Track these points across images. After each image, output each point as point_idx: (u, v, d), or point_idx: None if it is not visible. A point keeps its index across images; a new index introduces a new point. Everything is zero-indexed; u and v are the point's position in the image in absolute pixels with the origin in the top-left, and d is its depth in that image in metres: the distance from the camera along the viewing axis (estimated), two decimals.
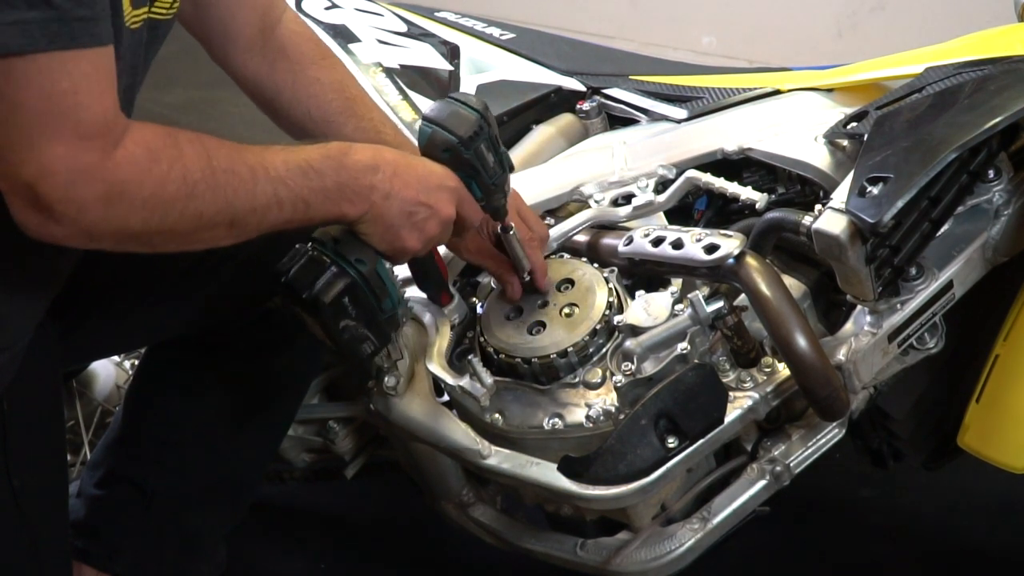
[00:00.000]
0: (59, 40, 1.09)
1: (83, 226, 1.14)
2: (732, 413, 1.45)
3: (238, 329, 1.62)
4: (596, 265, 1.59)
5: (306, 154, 1.29)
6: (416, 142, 1.86)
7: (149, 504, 1.65)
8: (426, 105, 1.90)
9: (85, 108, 1.11)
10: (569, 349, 1.50)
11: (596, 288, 1.55)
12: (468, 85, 1.94)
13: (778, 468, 1.52)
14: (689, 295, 1.47)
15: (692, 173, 1.64)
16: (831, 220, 1.35)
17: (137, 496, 1.66)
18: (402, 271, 1.57)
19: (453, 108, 1.40)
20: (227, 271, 1.55)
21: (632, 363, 1.47)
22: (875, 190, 1.34)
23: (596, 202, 1.70)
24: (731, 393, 1.46)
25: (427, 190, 1.36)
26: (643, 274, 1.58)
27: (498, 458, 1.51)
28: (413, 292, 1.59)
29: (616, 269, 1.58)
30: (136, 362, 2.07)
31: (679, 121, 1.77)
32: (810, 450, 1.54)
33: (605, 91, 1.89)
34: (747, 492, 1.52)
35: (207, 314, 1.61)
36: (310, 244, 1.37)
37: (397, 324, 1.45)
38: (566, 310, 1.54)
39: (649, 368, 1.46)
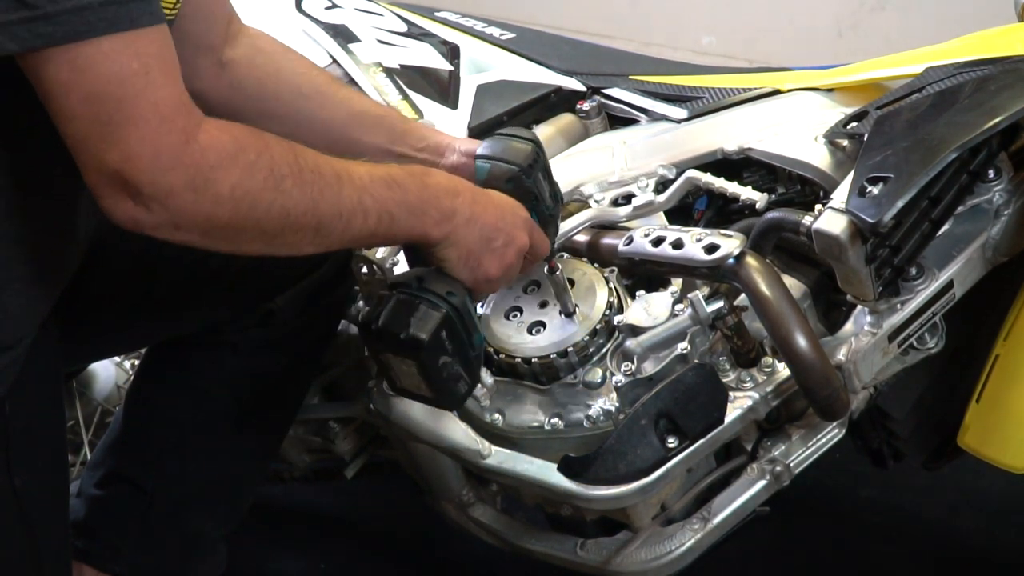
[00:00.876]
0: (120, 23, 1.06)
1: (171, 213, 1.10)
2: (732, 413, 1.45)
3: (239, 329, 1.62)
4: (596, 265, 1.59)
5: (388, 169, 1.27)
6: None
7: (149, 504, 1.65)
8: (426, 105, 1.90)
9: (160, 87, 1.08)
10: (569, 349, 1.50)
11: (596, 288, 1.55)
12: (468, 85, 1.94)
13: (778, 468, 1.52)
14: (689, 295, 1.47)
15: (692, 173, 1.64)
16: (831, 220, 1.35)
17: (137, 496, 1.66)
18: (403, 270, 1.57)
19: (506, 142, 1.41)
20: (229, 272, 1.55)
21: (632, 363, 1.48)
22: (875, 190, 1.34)
23: (596, 202, 1.70)
24: (731, 393, 1.46)
25: (504, 217, 1.35)
26: (643, 274, 1.58)
27: (498, 458, 1.51)
28: None
29: (616, 269, 1.58)
30: (136, 362, 2.07)
31: (679, 121, 1.77)
32: (810, 450, 1.54)
33: (605, 91, 1.89)
34: (747, 492, 1.52)
35: (209, 315, 1.61)
36: (394, 289, 1.33)
37: (479, 366, 1.41)
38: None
39: (649, 368, 1.47)
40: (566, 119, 1.91)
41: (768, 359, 1.47)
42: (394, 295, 1.32)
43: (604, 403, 1.48)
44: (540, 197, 1.41)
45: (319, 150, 1.28)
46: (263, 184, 1.14)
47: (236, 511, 1.73)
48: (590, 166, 1.76)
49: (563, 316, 1.53)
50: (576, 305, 1.53)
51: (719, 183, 1.60)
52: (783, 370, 1.45)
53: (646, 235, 1.52)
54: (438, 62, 2.00)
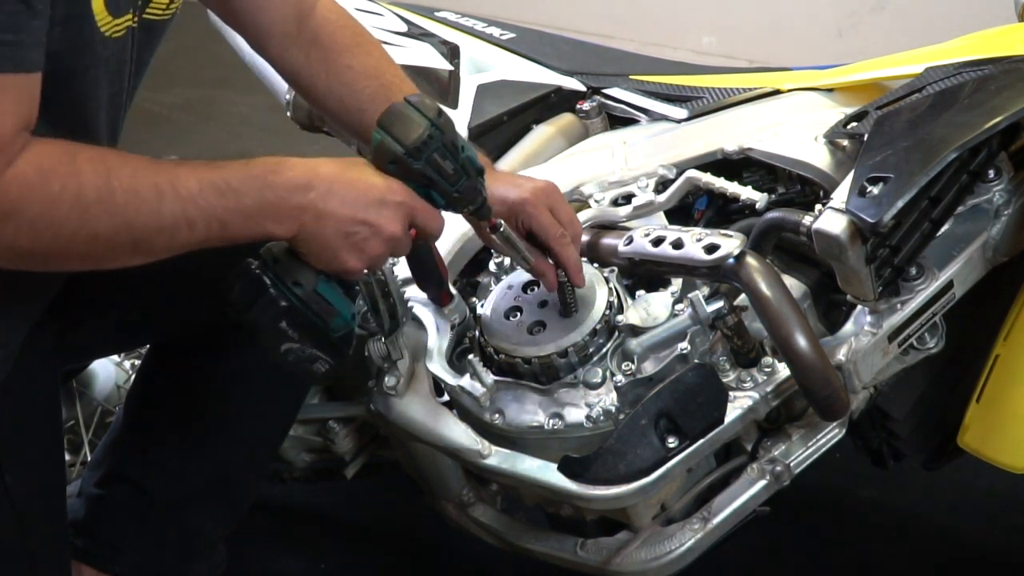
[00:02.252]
0: None
1: None
2: (732, 413, 1.45)
3: (239, 329, 1.62)
4: (596, 265, 1.59)
5: (225, 172, 1.24)
6: None
7: (149, 504, 1.65)
8: None
9: None
10: (569, 349, 1.50)
11: (596, 288, 1.55)
12: (468, 85, 1.94)
13: (778, 468, 1.52)
14: (689, 295, 1.47)
15: (692, 173, 1.64)
16: (831, 220, 1.35)
17: (137, 496, 1.66)
18: (402, 271, 1.57)
19: (405, 114, 1.32)
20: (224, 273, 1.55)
21: (632, 363, 1.48)
22: (875, 190, 1.34)
23: (596, 202, 1.70)
24: (731, 393, 1.46)
25: (367, 207, 1.29)
26: (643, 274, 1.58)
27: (498, 458, 1.51)
28: (413, 292, 1.59)
29: (616, 269, 1.58)
30: (136, 362, 2.07)
31: (679, 121, 1.77)
32: (810, 450, 1.54)
33: (605, 91, 1.89)
34: (747, 492, 1.52)
35: (207, 314, 1.61)
36: (254, 262, 1.32)
37: (351, 341, 1.39)
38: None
39: (649, 368, 1.47)
40: (566, 119, 1.92)
41: (768, 359, 1.47)
42: (250, 270, 1.32)
43: (604, 403, 1.48)
44: (436, 178, 1.34)
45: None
46: (67, 214, 1.16)
47: (236, 511, 1.73)
48: (590, 166, 1.76)
49: (562, 317, 1.53)
50: (565, 269, 1.51)
51: (719, 183, 1.60)
52: (783, 370, 1.45)
53: (646, 235, 1.52)
54: (438, 62, 2.00)
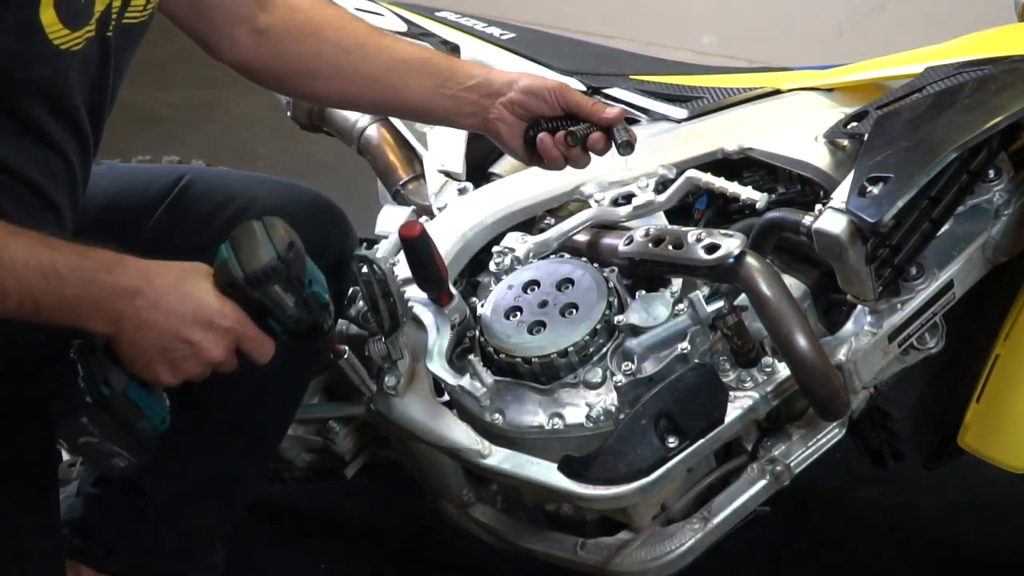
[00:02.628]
0: None
1: None
2: (732, 413, 1.45)
3: None
4: (596, 265, 1.59)
5: (59, 254, 1.21)
6: (417, 143, 1.87)
7: (147, 504, 1.65)
8: None
9: None
10: (569, 349, 1.50)
11: (596, 288, 1.55)
12: None
13: (778, 468, 1.52)
14: (689, 295, 1.47)
15: (692, 173, 1.64)
16: (831, 220, 1.35)
17: (135, 496, 1.65)
18: (402, 271, 1.57)
19: (255, 239, 1.27)
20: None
21: (632, 363, 1.48)
22: (875, 190, 1.34)
23: (596, 202, 1.70)
24: (731, 393, 1.46)
25: (191, 326, 1.24)
26: (643, 274, 1.58)
27: (498, 458, 1.51)
28: (413, 292, 1.59)
29: (616, 269, 1.58)
30: None
31: (679, 121, 1.77)
32: (810, 450, 1.54)
33: (605, 91, 1.89)
34: (747, 492, 1.52)
35: None
36: (76, 346, 1.28)
37: (155, 445, 1.34)
38: (566, 310, 1.54)
39: (649, 368, 1.47)
40: None
41: (768, 359, 1.47)
42: (71, 353, 1.28)
43: (604, 403, 1.48)
44: (273, 309, 1.29)
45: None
46: None
47: (234, 511, 1.73)
48: (590, 166, 1.75)
49: (562, 316, 1.53)
50: (373, 384, 1.56)
51: (719, 183, 1.60)
52: (783, 370, 1.45)
53: (646, 235, 1.52)
54: None
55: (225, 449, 1.67)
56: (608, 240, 1.64)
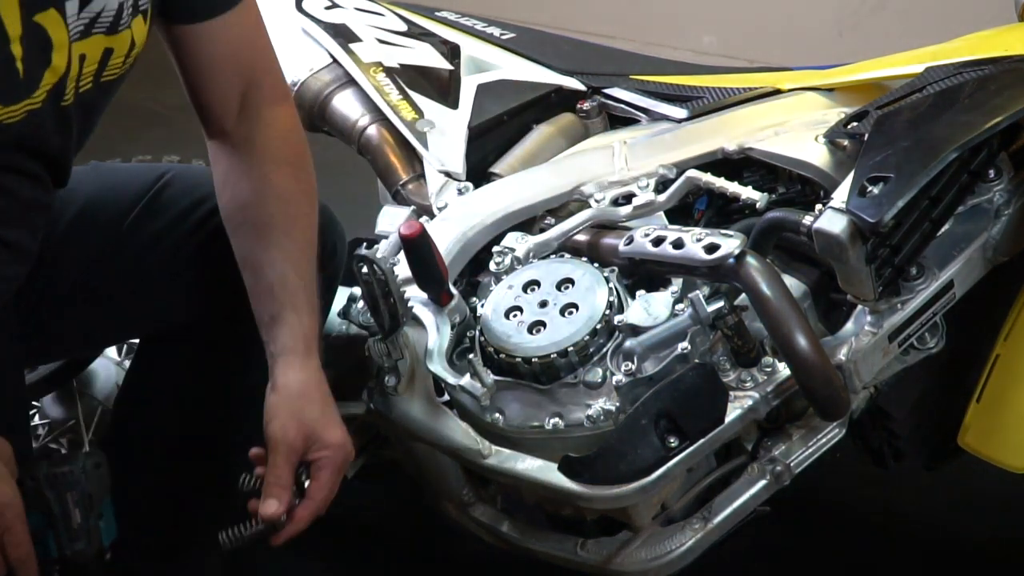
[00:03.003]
0: None
1: None
2: (732, 413, 1.45)
3: (213, 325, 1.60)
4: (596, 265, 1.59)
5: None
6: (417, 143, 1.87)
7: (137, 505, 1.64)
8: (426, 104, 1.90)
9: None
10: (569, 349, 1.50)
11: (596, 288, 1.55)
12: (468, 85, 1.94)
13: (778, 468, 1.52)
14: (689, 295, 1.47)
15: (692, 173, 1.64)
16: (832, 220, 1.35)
17: (127, 495, 1.65)
18: (402, 271, 1.57)
19: (72, 464, 1.24)
20: (188, 273, 1.54)
21: (632, 363, 1.48)
22: (876, 190, 1.34)
23: (596, 202, 1.70)
24: (731, 393, 1.46)
25: None
26: (643, 274, 1.58)
27: (498, 458, 1.51)
28: (413, 292, 1.59)
29: (616, 269, 1.58)
30: None
31: (679, 121, 1.77)
32: (810, 450, 1.54)
33: (605, 91, 1.89)
34: (747, 492, 1.52)
35: (187, 314, 1.59)
36: None
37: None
38: (566, 310, 1.54)
39: (649, 368, 1.47)
40: (566, 119, 1.91)
41: (768, 359, 1.47)
42: None
43: (604, 403, 1.48)
44: (56, 521, 1.24)
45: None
46: None
47: (226, 511, 1.72)
48: (590, 166, 1.76)
49: (562, 316, 1.53)
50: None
51: (719, 183, 1.60)
52: (783, 370, 1.45)
53: (646, 235, 1.52)
54: (438, 62, 2.00)
55: (217, 445, 1.66)
56: (608, 240, 1.64)
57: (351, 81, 1.97)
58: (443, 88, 1.95)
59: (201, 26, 1.44)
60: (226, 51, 1.46)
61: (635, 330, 1.49)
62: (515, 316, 1.56)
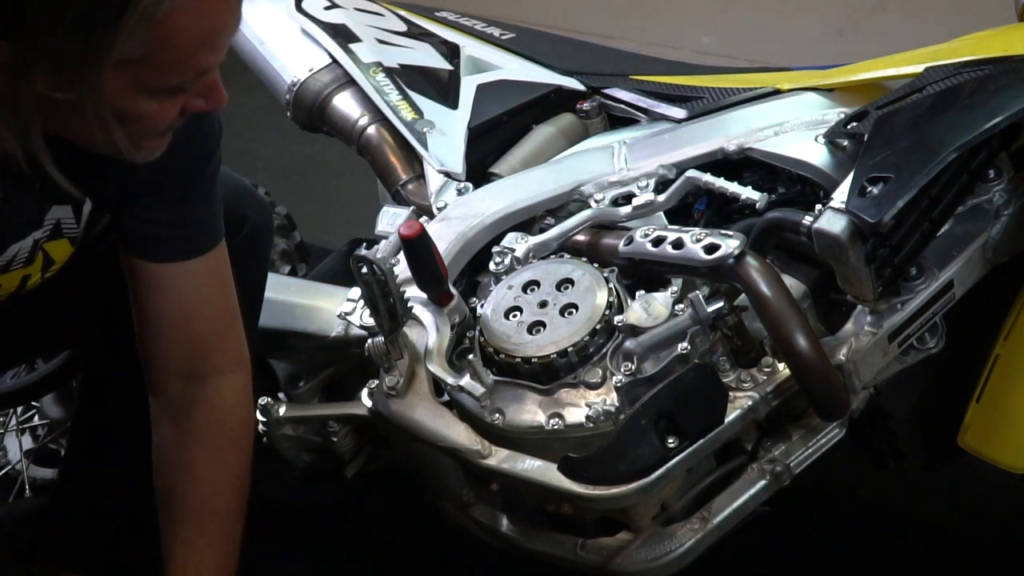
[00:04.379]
0: None
1: None
2: (732, 413, 1.45)
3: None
4: (596, 265, 1.59)
5: None
6: (416, 143, 1.87)
7: (109, 500, 1.64)
8: (426, 105, 1.90)
9: None
10: (569, 349, 1.50)
11: (596, 288, 1.55)
12: (468, 85, 1.94)
13: (778, 468, 1.52)
14: (689, 295, 1.47)
15: (692, 173, 1.64)
16: (831, 220, 1.35)
17: (97, 492, 1.64)
18: (402, 271, 1.57)
19: None
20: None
21: (632, 363, 1.48)
22: (875, 190, 1.34)
23: (596, 202, 1.70)
24: (731, 393, 1.46)
25: None
26: (643, 274, 1.58)
27: (498, 458, 1.51)
28: (413, 292, 1.59)
29: (616, 269, 1.58)
30: None
31: (679, 121, 1.77)
32: (810, 450, 1.54)
33: (605, 91, 1.89)
34: (747, 492, 1.52)
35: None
36: None
37: None
38: (566, 310, 1.54)
39: (649, 368, 1.47)
40: (566, 119, 1.92)
41: (768, 359, 1.47)
42: None
43: (604, 403, 1.48)
44: None
45: None
46: None
47: None
48: (590, 166, 1.76)
49: (562, 316, 1.53)
50: None
51: (719, 183, 1.60)
52: (783, 370, 1.45)
53: (646, 235, 1.52)
54: (438, 62, 2.00)
55: None
56: (608, 240, 1.64)
57: (351, 81, 1.97)
58: (443, 88, 1.95)
59: (156, 267, 1.37)
60: (178, 303, 1.38)
61: (635, 330, 1.49)
62: (515, 316, 1.56)
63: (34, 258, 1.32)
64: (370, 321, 1.56)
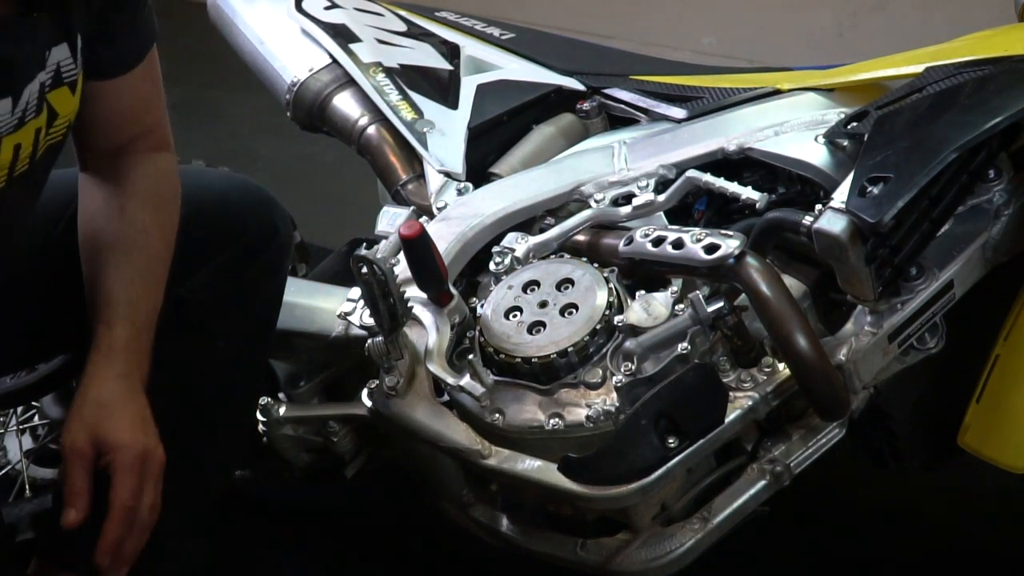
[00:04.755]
0: None
1: None
2: (732, 413, 1.45)
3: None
4: (596, 265, 1.59)
5: None
6: (416, 143, 1.87)
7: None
8: (426, 105, 1.90)
9: None
10: (569, 349, 1.50)
11: (596, 288, 1.55)
12: (468, 85, 1.95)
13: (778, 468, 1.52)
14: (689, 295, 1.47)
15: (692, 173, 1.64)
16: (832, 220, 1.35)
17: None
18: (402, 271, 1.57)
19: None
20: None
21: (632, 363, 1.48)
22: (876, 190, 1.34)
23: (596, 202, 1.70)
24: (731, 393, 1.46)
25: None
26: (643, 274, 1.58)
27: (498, 458, 1.51)
28: (413, 292, 1.59)
29: (616, 269, 1.58)
30: None
31: (679, 121, 1.77)
32: (810, 450, 1.54)
33: (605, 91, 1.89)
34: (747, 492, 1.52)
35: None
36: None
37: None
38: (566, 310, 1.54)
39: (649, 368, 1.47)
40: (566, 119, 1.92)
41: (768, 359, 1.47)
42: None
43: (604, 403, 1.48)
44: None
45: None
46: None
47: (199, 504, 1.69)
48: (590, 166, 1.76)
49: (562, 316, 1.53)
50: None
51: (719, 183, 1.60)
52: (783, 370, 1.45)
53: (646, 235, 1.52)
54: (438, 62, 2.00)
55: (190, 447, 1.64)
56: (608, 240, 1.64)
57: (351, 81, 1.97)
58: (443, 88, 1.95)
59: (110, 82, 1.49)
60: (125, 105, 1.51)
61: (635, 330, 1.49)
62: (515, 316, 1.56)
63: (41, 107, 1.36)
64: (370, 321, 1.56)
